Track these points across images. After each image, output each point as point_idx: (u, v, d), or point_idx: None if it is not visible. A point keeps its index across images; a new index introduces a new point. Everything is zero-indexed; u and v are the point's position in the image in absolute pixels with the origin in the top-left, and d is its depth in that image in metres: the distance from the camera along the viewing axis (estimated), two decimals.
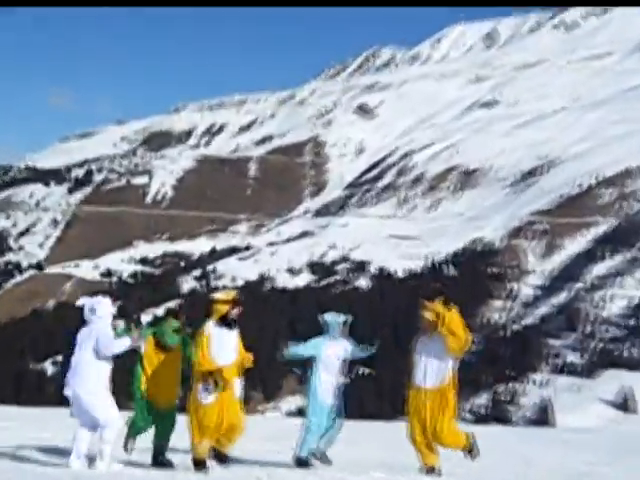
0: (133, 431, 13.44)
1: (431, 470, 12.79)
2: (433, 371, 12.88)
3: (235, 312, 12.68)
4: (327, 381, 13.77)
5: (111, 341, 12.53)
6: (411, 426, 12.99)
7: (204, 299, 13.54)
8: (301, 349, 13.98)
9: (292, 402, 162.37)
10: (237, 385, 13.26)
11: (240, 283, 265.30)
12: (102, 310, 13.08)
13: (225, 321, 12.58)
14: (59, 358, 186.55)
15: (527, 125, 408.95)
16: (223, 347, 12.41)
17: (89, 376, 12.23)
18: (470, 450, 12.98)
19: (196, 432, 12.25)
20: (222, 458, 12.93)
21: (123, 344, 12.63)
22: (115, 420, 12.15)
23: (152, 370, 13.30)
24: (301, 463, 13.27)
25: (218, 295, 13.31)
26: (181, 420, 12.96)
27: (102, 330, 12.71)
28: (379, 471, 12.10)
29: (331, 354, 13.84)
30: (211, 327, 12.49)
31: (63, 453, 13.95)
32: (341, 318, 14.11)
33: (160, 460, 13.03)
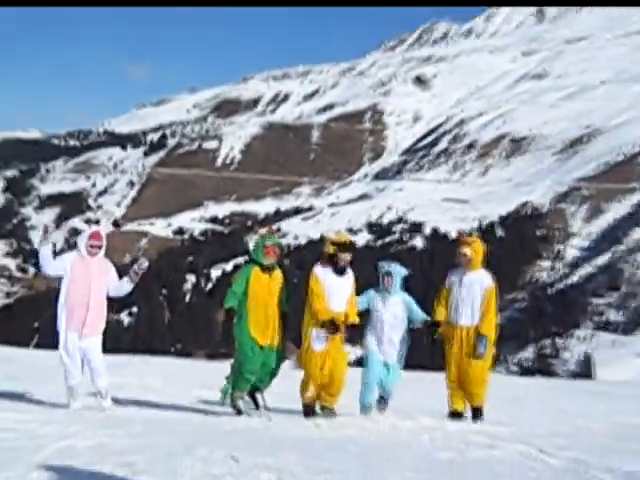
0: (241, 382, 11.77)
1: (457, 415, 12.60)
2: (467, 309, 12.58)
3: (344, 257, 11.83)
4: (380, 335, 12.56)
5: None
6: (447, 365, 12.79)
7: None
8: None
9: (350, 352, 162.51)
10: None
11: (303, 242, 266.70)
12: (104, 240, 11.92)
13: (332, 264, 11.83)
14: (134, 309, 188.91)
15: (573, 96, 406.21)
16: (332, 293, 11.71)
17: (103, 314, 11.60)
18: (479, 414, 12.68)
19: (306, 376, 11.84)
20: (327, 410, 11.97)
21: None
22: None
23: (255, 301, 11.63)
24: (363, 409, 12.52)
25: (329, 235, 12.87)
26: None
27: (112, 267, 11.85)
28: (427, 417, 11.93)
29: (384, 307, 12.58)
30: (319, 270, 11.83)
31: (138, 396, 13.95)
32: (403, 271, 12.81)
33: (255, 397, 12.05)
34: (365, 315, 12.62)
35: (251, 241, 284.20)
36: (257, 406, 12.01)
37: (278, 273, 11.81)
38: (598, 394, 24.41)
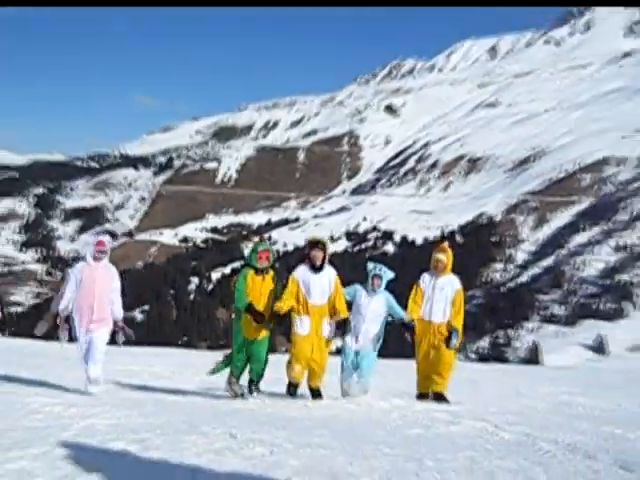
0: (234, 369, 11.78)
1: (424, 396, 12.46)
2: (440, 308, 12.47)
3: (316, 254, 11.39)
4: (359, 327, 11.99)
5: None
6: (418, 355, 12.60)
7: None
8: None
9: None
10: (325, 326, 11.46)
11: (291, 248, 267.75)
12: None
13: (308, 262, 11.46)
14: (146, 307, 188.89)
15: (521, 122, 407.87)
16: (310, 289, 11.34)
17: (108, 312, 11.50)
18: (442, 398, 12.29)
19: (292, 357, 11.37)
20: (315, 393, 11.68)
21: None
22: None
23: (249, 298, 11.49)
24: (343, 392, 11.98)
25: (308, 237, 12.26)
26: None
27: (116, 274, 11.74)
28: (399, 398, 11.94)
29: (368, 304, 11.98)
30: (299, 269, 11.48)
31: (149, 382, 13.97)
32: (391, 274, 12.24)
33: (250, 388, 11.78)
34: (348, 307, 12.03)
35: (246, 248, 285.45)
36: (251, 391, 11.70)
37: (270, 275, 11.56)
38: (544, 377, 24.50)
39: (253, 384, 11.83)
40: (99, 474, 5.24)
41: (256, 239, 12.24)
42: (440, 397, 12.32)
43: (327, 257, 11.62)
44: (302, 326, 11.35)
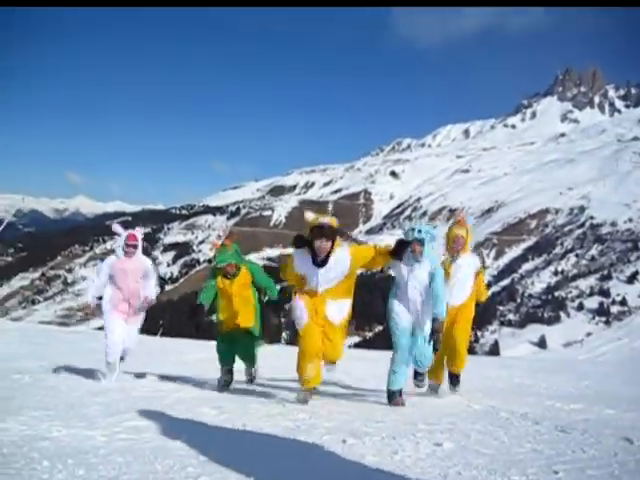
0: (221, 361, 9.12)
1: (435, 389, 8.96)
2: (459, 290, 8.61)
3: (320, 246, 6.76)
4: (404, 303, 7.38)
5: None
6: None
7: None
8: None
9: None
10: (332, 309, 6.96)
11: None
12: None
13: (311, 253, 6.88)
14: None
15: (487, 183, 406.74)
16: (312, 279, 6.92)
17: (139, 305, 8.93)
18: (456, 382, 9.15)
19: (300, 357, 7.01)
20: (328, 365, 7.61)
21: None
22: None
23: (223, 299, 8.91)
24: (391, 398, 7.54)
25: (307, 215, 7.20)
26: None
27: (147, 267, 9.09)
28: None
29: (413, 278, 7.29)
30: (298, 257, 7.20)
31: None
32: (434, 233, 7.42)
33: (249, 379, 9.57)
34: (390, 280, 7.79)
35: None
36: (251, 381, 9.63)
37: (239, 276, 9.05)
38: (502, 365, 24.25)
39: (248, 369, 9.54)
40: (188, 430, 5.36)
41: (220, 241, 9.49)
42: (455, 378, 9.27)
43: (335, 244, 6.82)
44: (301, 316, 6.90)
